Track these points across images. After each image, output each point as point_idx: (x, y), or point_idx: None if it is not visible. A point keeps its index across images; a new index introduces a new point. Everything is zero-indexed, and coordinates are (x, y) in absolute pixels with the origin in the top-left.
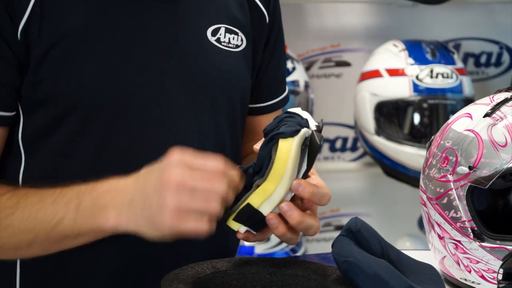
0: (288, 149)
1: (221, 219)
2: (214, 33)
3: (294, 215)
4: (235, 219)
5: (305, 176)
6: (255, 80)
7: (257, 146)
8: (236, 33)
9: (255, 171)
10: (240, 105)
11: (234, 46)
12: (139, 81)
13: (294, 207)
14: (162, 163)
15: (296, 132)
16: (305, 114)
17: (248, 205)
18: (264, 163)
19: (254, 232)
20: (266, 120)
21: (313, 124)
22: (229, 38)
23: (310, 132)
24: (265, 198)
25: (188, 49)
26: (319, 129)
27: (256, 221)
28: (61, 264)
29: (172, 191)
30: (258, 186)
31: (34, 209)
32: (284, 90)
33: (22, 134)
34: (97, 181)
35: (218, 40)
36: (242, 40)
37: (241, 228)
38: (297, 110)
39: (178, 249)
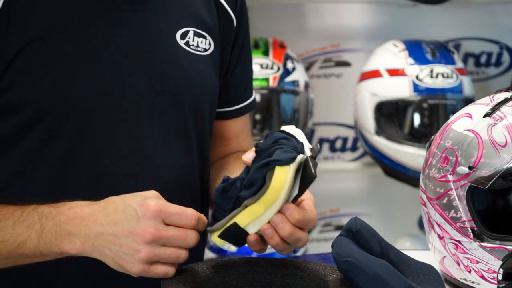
0: (284, 177)
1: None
2: (183, 36)
3: (286, 227)
4: (220, 236)
5: (296, 200)
6: (222, 83)
7: (246, 158)
8: (204, 37)
9: (244, 185)
10: (209, 109)
11: (202, 49)
12: (107, 87)
13: (286, 219)
14: (138, 208)
15: (293, 159)
16: (300, 135)
17: (235, 224)
18: (256, 184)
19: (234, 248)
20: (233, 124)
21: (307, 147)
22: (198, 42)
23: (305, 158)
24: (253, 220)
25: (157, 53)
26: (313, 154)
27: (240, 239)
28: (34, 265)
29: (145, 243)
30: (246, 206)
31: None
32: (251, 95)
33: None
34: (59, 202)
35: (187, 43)
36: (210, 43)
37: (225, 245)
38: (292, 130)
39: None
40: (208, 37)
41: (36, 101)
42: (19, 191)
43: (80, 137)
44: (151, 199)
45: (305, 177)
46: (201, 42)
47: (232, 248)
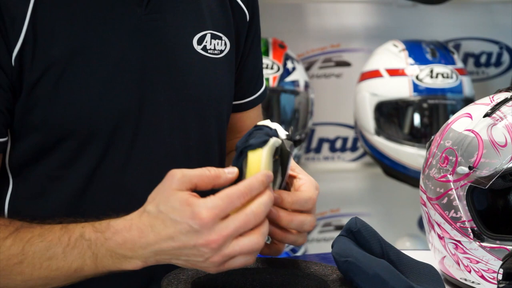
0: (258, 160)
1: None
2: (200, 41)
3: (281, 216)
4: None
5: (282, 186)
6: (235, 77)
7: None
8: (220, 38)
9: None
10: (226, 111)
11: (219, 52)
12: (129, 104)
13: (279, 209)
14: (191, 222)
15: (264, 142)
16: (274, 125)
17: None
18: (239, 179)
19: None
20: (246, 116)
21: (283, 133)
22: (214, 44)
23: (280, 141)
24: None
25: (175, 63)
26: (289, 138)
27: None
28: None
29: (213, 251)
30: None
31: (44, 258)
32: (262, 85)
33: (10, 159)
34: (101, 222)
35: (204, 48)
36: (225, 44)
37: None
38: (267, 123)
39: None
40: (224, 38)
41: (60, 121)
42: (40, 210)
43: (102, 155)
44: (200, 208)
45: (283, 157)
46: (218, 44)
47: None
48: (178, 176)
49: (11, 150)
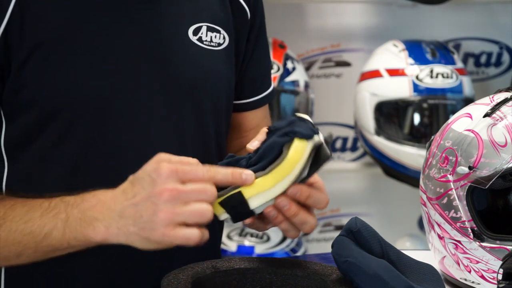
0: (302, 150)
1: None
2: (196, 32)
3: (291, 208)
4: (221, 203)
5: (303, 182)
6: (238, 76)
7: (251, 146)
8: (218, 31)
9: (250, 164)
10: (225, 104)
11: (216, 44)
12: (121, 85)
13: (291, 201)
14: (152, 173)
15: (311, 136)
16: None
17: (239, 193)
18: (268, 157)
19: (232, 223)
20: (251, 116)
21: (321, 135)
22: (211, 37)
23: (321, 141)
24: (258, 192)
25: (169, 50)
26: (328, 140)
27: (239, 212)
28: (47, 263)
29: (164, 202)
30: (255, 178)
31: (21, 222)
32: (269, 86)
33: (5, 140)
34: (84, 192)
35: (199, 39)
36: (224, 38)
37: (222, 215)
38: (305, 117)
39: (163, 250)
40: (222, 31)
41: (49, 100)
42: (35, 192)
43: (92, 137)
44: (163, 162)
45: (318, 159)
46: (215, 37)
47: (229, 221)
48: (162, 154)
49: (4, 132)
